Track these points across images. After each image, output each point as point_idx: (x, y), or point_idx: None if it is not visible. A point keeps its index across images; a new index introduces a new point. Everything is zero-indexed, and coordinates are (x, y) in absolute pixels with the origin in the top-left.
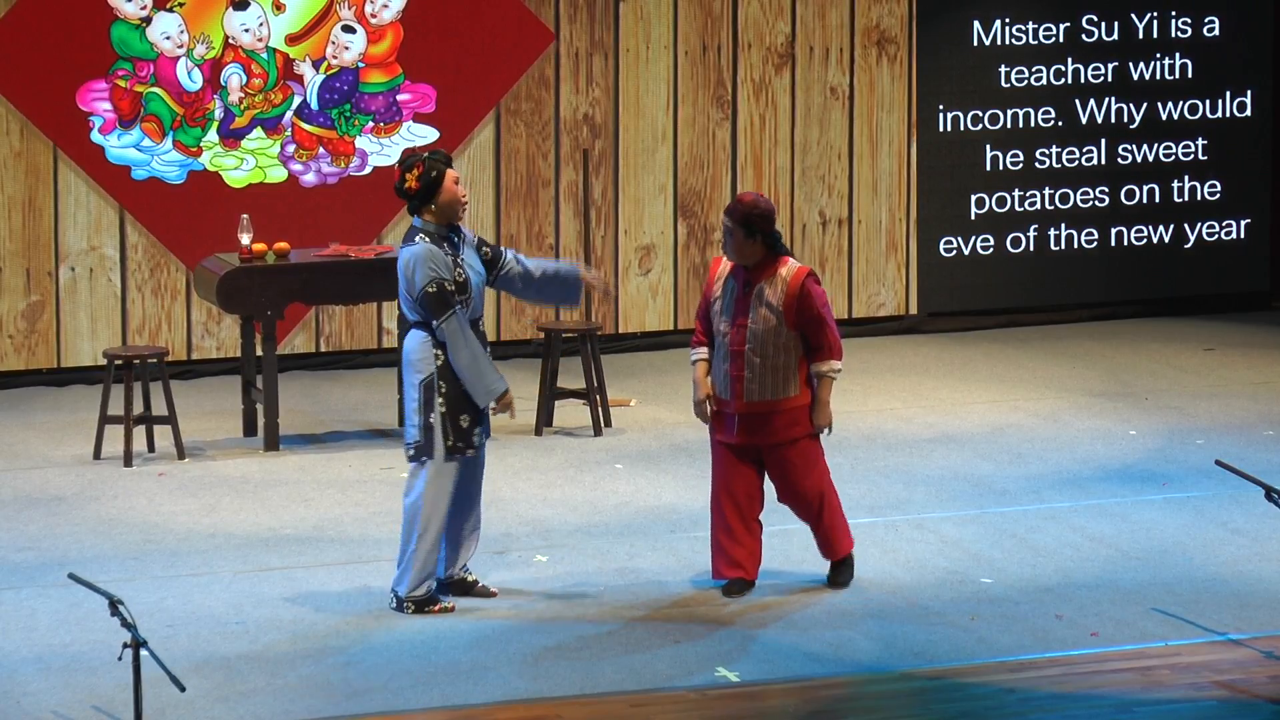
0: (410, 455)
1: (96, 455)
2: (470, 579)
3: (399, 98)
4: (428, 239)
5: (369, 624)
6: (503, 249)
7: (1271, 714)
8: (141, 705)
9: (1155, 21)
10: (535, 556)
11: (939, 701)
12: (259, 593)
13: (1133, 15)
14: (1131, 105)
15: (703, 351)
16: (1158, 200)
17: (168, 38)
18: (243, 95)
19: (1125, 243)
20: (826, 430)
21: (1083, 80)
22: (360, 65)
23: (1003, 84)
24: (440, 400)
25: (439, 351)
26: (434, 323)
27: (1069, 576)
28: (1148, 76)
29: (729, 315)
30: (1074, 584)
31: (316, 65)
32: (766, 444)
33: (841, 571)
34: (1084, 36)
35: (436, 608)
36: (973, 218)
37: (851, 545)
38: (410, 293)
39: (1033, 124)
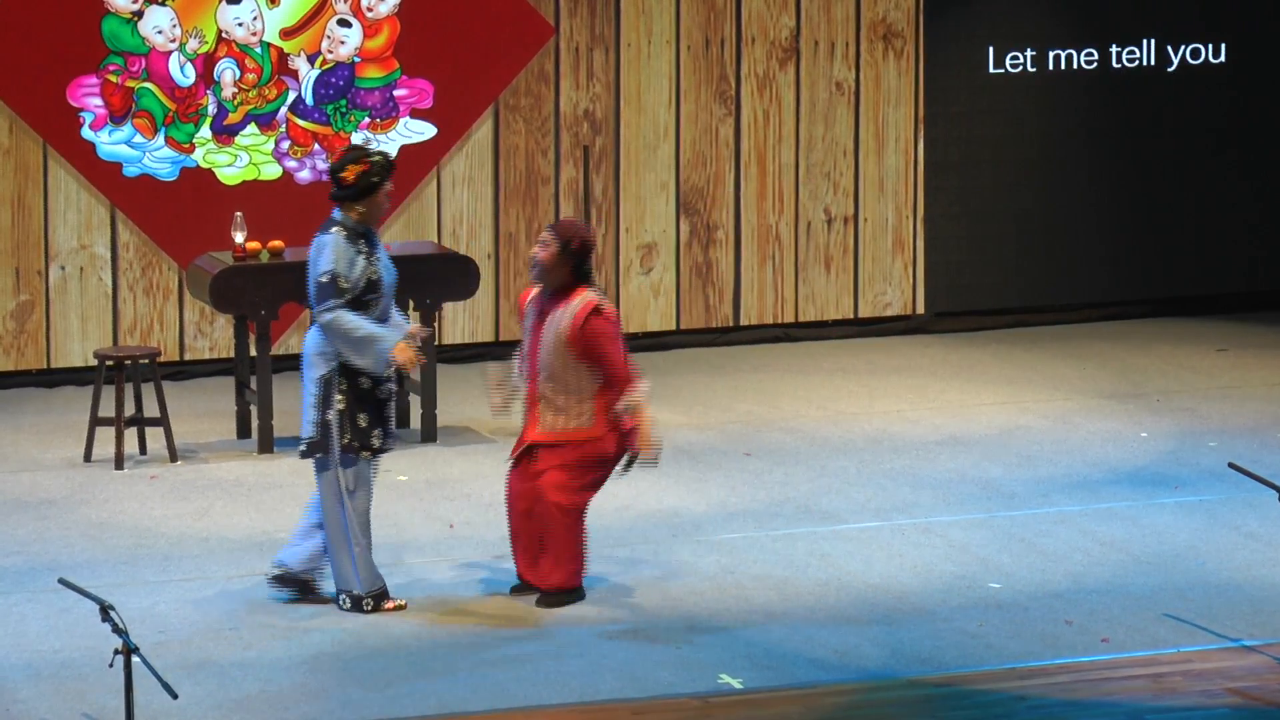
0: (303, 452)
1: (87, 458)
2: (312, 581)
3: (396, 93)
4: (343, 233)
5: (364, 630)
6: None
7: None
8: (133, 712)
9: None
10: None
11: (947, 709)
12: (253, 598)
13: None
14: (1145, 101)
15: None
16: (1169, 199)
17: (160, 32)
18: (236, 90)
19: (1136, 242)
20: (655, 457)
21: (1093, 76)
22: (356, 60)
23: (1011, 79)
24: (339, 398)
25: (332, 344)
26: (314, 310)
27: (1079, 581)
28: (1162, 70)
29: (528, 343)
30: (1084, 589)
31: (311, 60)
32: (544, 469)
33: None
34: (1096, 30)
35: (391, 604)
36: (981, 216)
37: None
38: (310, 277)
39: (1043, 120)
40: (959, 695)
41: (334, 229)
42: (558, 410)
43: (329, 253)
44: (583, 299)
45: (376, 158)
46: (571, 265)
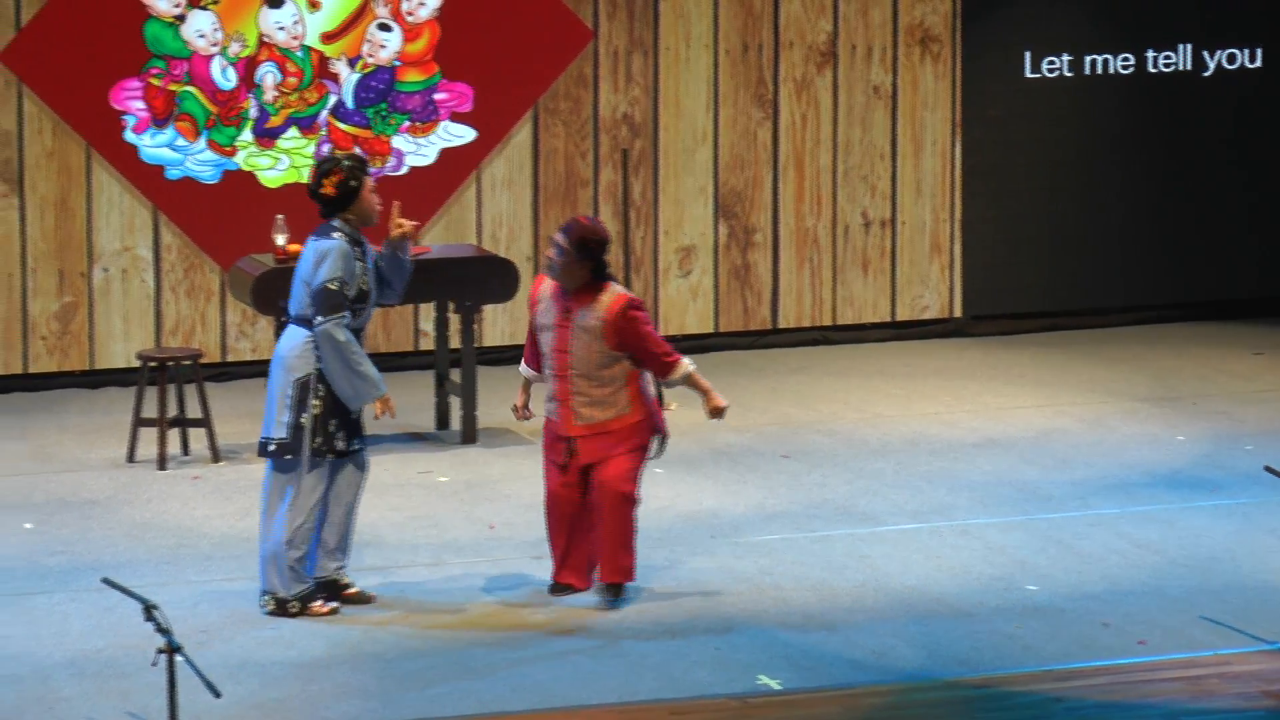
0: (270, 451)
1: (130, 458)
2: (344, 581)
3: (436, 96)
4: (345, 239)
5: (404, 628)
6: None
7: None
8: (176, 711)
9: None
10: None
11: (985, 710)
12: None
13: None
14: (1181, 105)
15: (529, 371)
16: (1205, 203)
17: (202, 36)
18: (277, 94)
19: (1172, 246)
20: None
21: (1130, 81)
22: (396, 64)
23: (1048, 83)
24: (316, 402)
25: (320, 352)
26: (317, 319)
27: (1116, 584)
28: (1198, 74)
29: (551, 342)
30: (1121, 591)
31: (352, 64)
32: (590, 463)
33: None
34: (1132, 35)
35: (324, 608)
36: (1018, 219)
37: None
38: (308, 281)
39: (1079, 125)
40: (996, 697)
41: (336, 234)
42: (593, 403)
43: (335, 260)
44: (612, 294)
45: (347, 163)
46: (590, 265)
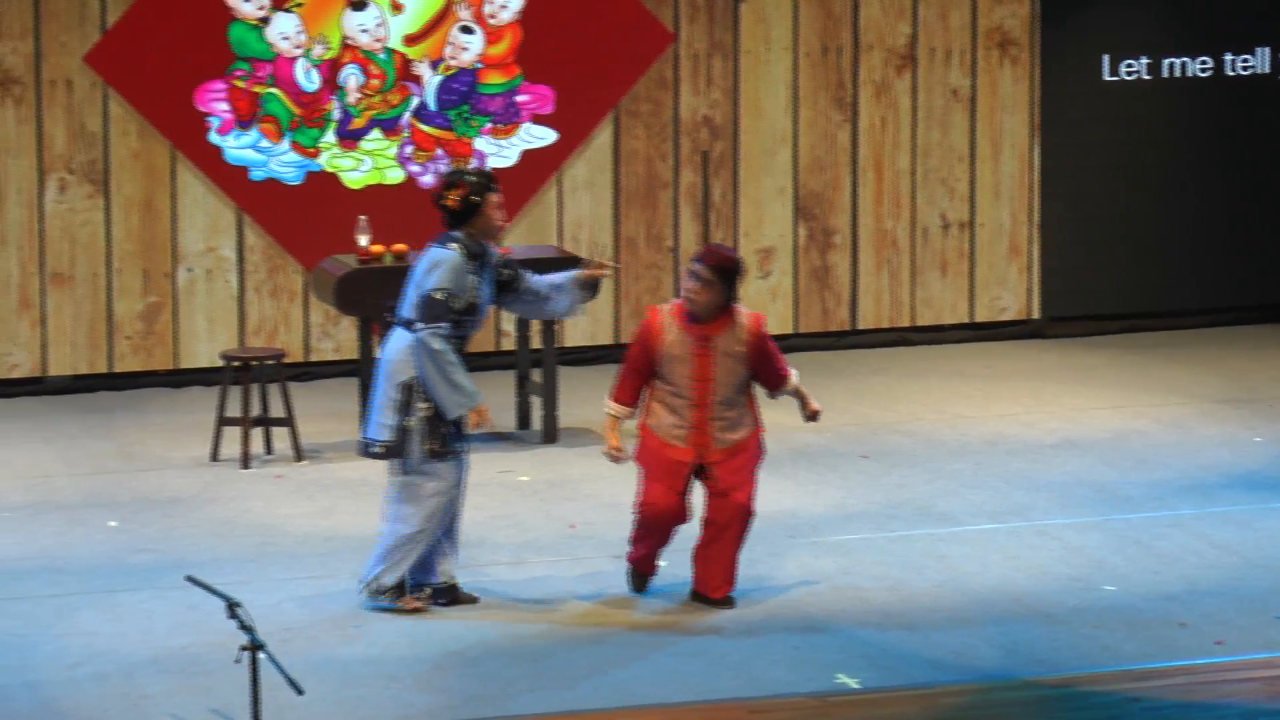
0: (374, 453)
1: (214, 457)
2: (454, 584)
3: (517, 99)
4: (463, 251)
5: (486, 627)
6: (523, 271)
7: None
8: (259, 708)
9: None
10: (653, 561)
11: (1062, 710)
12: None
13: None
14: (1259, 108)
15: (627, 411)
16: None
17: (286, 38)
18: (361, 96)
19: (1250, 248)
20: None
21: (1207, 84)
22: (479, 66)
23: (1126, 86)
24: (424, 405)
25: (417, 358)
26: (421, 324)
27: (1193, 584)
28: (1276, 77)
29: (689, 372)
30: (1198, 592)
31: (435, 66)
32: (723, 489)
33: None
34: (1210, 39)
35: (410, 605)
36: (1096, 221)
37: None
38: (418, 288)
39: (1157, 127)
40: (1074, 696)
41: (453, 245)
42: (730, 425)
43: (446, 270)
44: (745, 316)
45: (472, 177)
46: (728, 292)
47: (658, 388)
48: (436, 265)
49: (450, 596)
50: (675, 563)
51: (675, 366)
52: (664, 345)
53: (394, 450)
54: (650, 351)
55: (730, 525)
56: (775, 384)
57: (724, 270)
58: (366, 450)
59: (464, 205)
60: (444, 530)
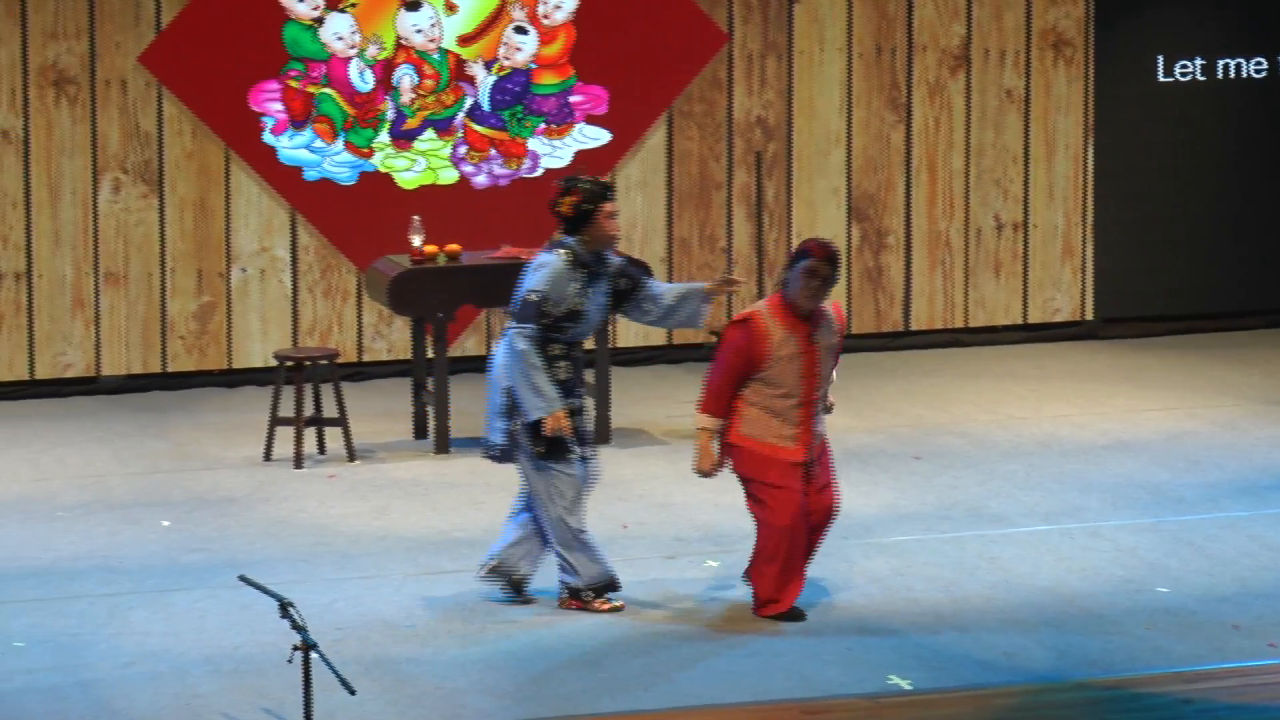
0: (493, 457)
1: (267, 457)
2: (519, 578)
3: (571, 99)
4: (568, 257)
5: (539, 628)
6: (644, 279)
7: None
8: (311, 708)
9: None
10: (706, 562)
11: (1115, 711)
12: (430, 596)
13: None
14: None
15: (716, 423)
16: None
17: (340, 38)
18: (414, 96)
19: None
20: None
21: (1263, 85)
22: (532, 66)
23: (1180, 88)
24: None
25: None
26: (512, 324)
27: (1246, 586)
28: None
29: (799, 370)
30: (1251, 594)
31: (488, 66)
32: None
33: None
34: (1266, 40)
35: (605, 605)
36: (1150, 223)
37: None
38: (520, 288)
39: (1211, 129)
40: (1126, 698)
41: (560, 251)
42: (819, 420)
43: (545, 274)
44: (830, 304)
45: (586, 185)
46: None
47: (755, 393)
48: (539, 268)
49: (506, 581)
50: (727, 564)
51: (784, 367)
52: (771, 348)
53: (506, 454)
54: (757, 357)
55: (822, 526)
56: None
57: (836, 262)
58: (486, 453)
59: (576, 212)
60: (537, 528)
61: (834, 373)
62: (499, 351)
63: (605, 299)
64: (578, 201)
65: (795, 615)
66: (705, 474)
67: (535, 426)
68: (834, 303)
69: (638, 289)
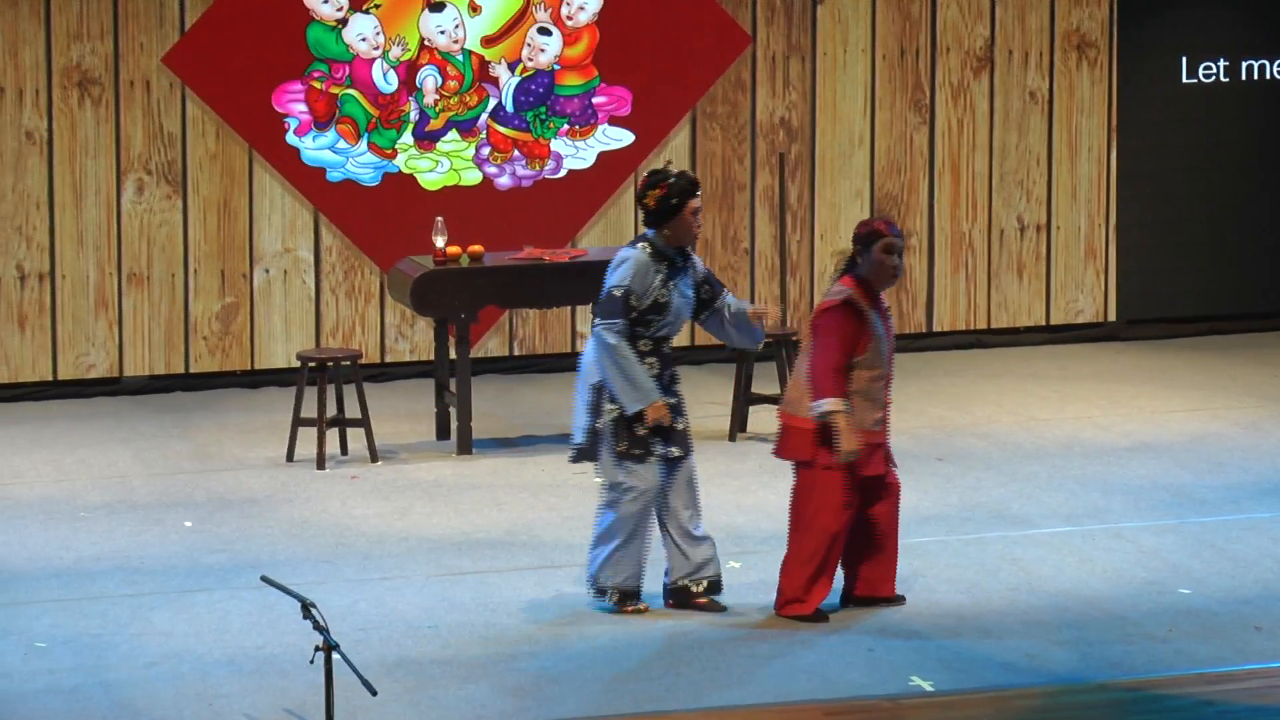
0: (571, 458)
1: (289, 457)
2: (694, 590)
3: (594, 100)
4: (649, 250)
5: (561, 629)
6: (723, 292)
7: None
8: (333, 708)
9: None
10: (728, 562)
11: (1136, 713)
12: (451, 596)
13: None
14: None
15: (842, 403)
16: None
17: (363, 39)
18: (438, 97)
19: None
20: None
21: None
22: (556, 67)
23: (1204, 89)
24: (611, 406)
25: (598, 354)
26: (598, 320)
27: (1269, 588)
28: None
29: (885, 352)
30: (1274, 595)
31: (512, 67)
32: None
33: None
34: None
35: (629, 607)
36: (1173, 224)
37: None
38: (604, 284)
39: (1235, 130)
40: (1148, 699)
41: (640, 244)
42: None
43: (628, 269)
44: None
45: (674, 180)
46: None
47: (855, 380)
48: (621, 263)
49: (678, 599)
50: (749, 565)
51: (879, 346)
52: (870, 326)
53: (586, 453)
54: (862, 336)
55: (894, 513)
56: None
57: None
58: (569, 458)
59: (661, 206)
60: (679, 532)
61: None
62: (586, 349)
63: (691, 295)
64: (664, 195)
65: (818, 618)
66: (856, 453)
67: (622, 422)
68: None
69: (715, 299)
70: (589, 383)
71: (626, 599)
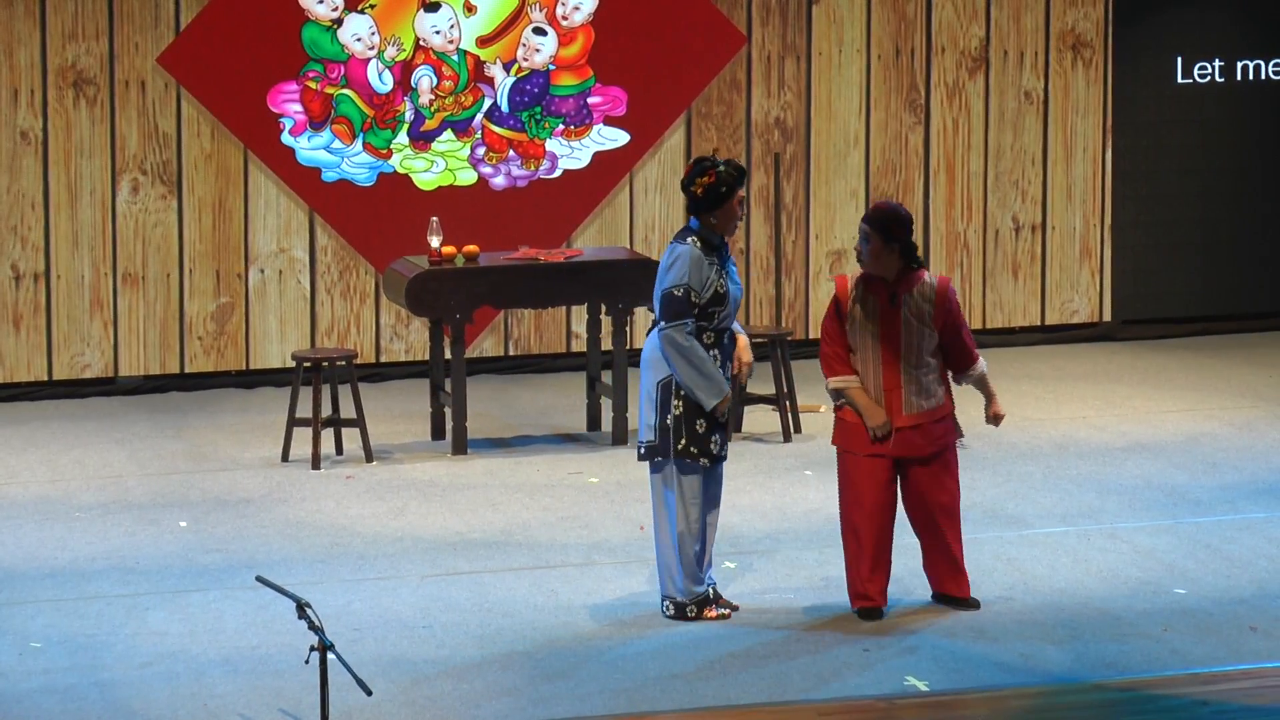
0: (641, 455)
1: (285, 458)
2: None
3: (590, 100)
4: (699, 244)
5: (556, 629)
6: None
7: None
8: (328, 708)
9: None
10: (724, 563)
11: (1131, 713)
12: (446, 597)
13: None
14: None
15: (854, 379)
16: None
17: (358, 39)
18: (433, 97)
19: None
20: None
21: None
22: (551, 68)
23: (1199, 89)
24: (678, 403)
25: (667, 356)
26: (660, 323)
27: (1263, 588)
28: None
29: (876, 331)
30: (1268, 595)
31: (507, 68)
32: (920, 456)
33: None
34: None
35: (713, 613)
36: (1168, 224)
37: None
38: (659, 286)
39: (1230, 130)
40: (1143, 700)
41: (690, 239)
42: (920, 391)
43: (684, 265)
44: (933, 276)
45: (723, 169)
46: (900, 249)
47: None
48: (674, 261)
49: (680, 610)
50: (744, 565)
51: (863, 324)
52: (848, 305)
53: (655, 450)
54: (841, 313)
55: (941, 511)
56: (959, 357)
57: (882, 222)
58: (639, 452)
59: (710, 194)
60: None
61: (975, 364)
62: (646, 348)
63: (739, 281)
64: (713, 183)
65: (864, 615)
66: (885, 426)
67: (684, 419)
68: (942, 278)
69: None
70: (654, 380)
71: (706, 604)
